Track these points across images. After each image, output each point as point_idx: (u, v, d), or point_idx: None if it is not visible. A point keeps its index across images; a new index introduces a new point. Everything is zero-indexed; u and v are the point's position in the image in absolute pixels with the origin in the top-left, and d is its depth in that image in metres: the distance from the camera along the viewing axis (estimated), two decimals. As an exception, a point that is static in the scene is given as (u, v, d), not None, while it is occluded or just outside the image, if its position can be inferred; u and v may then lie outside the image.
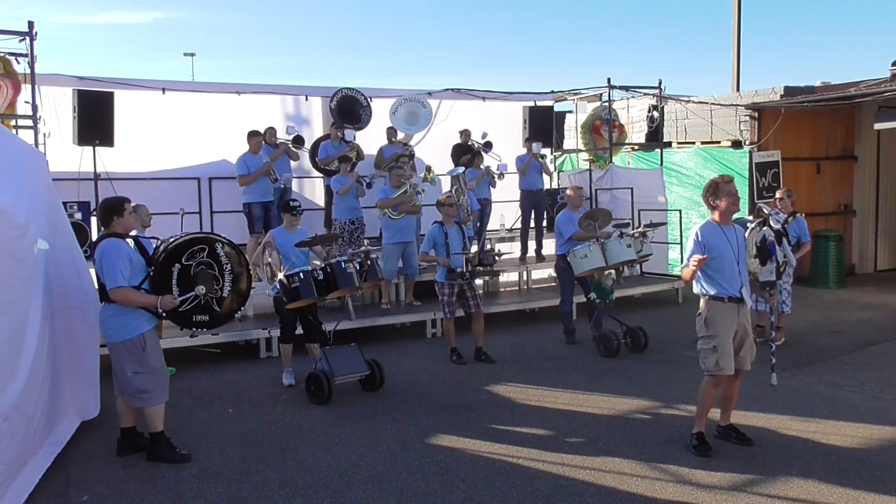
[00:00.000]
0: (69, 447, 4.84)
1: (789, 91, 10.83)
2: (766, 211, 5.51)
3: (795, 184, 10.57)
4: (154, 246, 4.83)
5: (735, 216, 4.74)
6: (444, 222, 7.13)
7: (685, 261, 4.59)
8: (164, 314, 4.54)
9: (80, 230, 7.64)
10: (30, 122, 7.53)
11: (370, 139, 9.93)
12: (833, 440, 4.82)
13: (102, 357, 5.37)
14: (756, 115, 11.29)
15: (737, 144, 11.42)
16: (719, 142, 11.70)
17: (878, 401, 5.66)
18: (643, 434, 5.01)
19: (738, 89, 14.76)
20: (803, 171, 11.66)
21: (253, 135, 8.68)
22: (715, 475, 4.28)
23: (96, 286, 4.69)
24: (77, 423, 5.13)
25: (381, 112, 9.98)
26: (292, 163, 9.30)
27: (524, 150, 10.31)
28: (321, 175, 9.88)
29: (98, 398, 5.29)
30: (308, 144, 9.77)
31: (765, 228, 5.23)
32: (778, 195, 7.84)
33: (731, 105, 11.54)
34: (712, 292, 4.54)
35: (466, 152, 9.89)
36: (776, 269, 5.11)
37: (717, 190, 4.57)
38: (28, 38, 7.38)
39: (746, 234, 4.91)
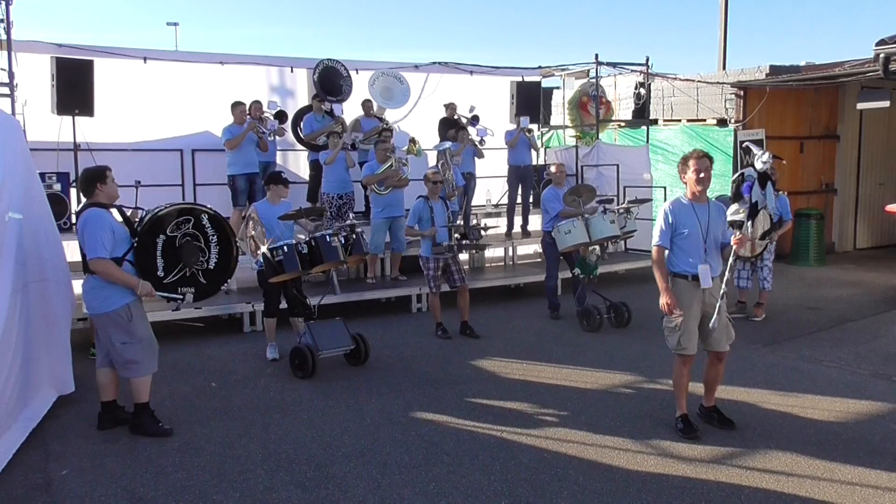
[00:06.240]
0: (48, 421, 4.79)
1: (774, 70, 10.84)
2: (753, 150, 5.18)
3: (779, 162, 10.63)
4: (139, 216, 4.75)
5: (717, 193, 4.58)
6: (429, 197, 7.09)
7: (656, 237, 4.46)
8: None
9: (59, 201, 7.51)
10: (6, 90, 7.33)
11: (350, 111, 9.80)
12: (811, 414, 4.91)
13: (74, 330, 5.30)
14: (741, 93, 11.30)
15: (722, 122, 11.45)
16: (705, 120, 11.72)
17: (854, 376, 5.77)
18: (625, 408, 5.06)
19: (724, 68, 14.75)
20: (787, 150, 11.70)
21: (236, 105, 8.54)
22: (696, 448, 4.34)
23: (79, 257, 4.60)
24: (54, 397, 5.05)
25: (364, 84, 9.83)
26: (277, 137, 9.17)
27: (513, 126, 10.24)
28: (305, 148, 9.74)
29: (71, 373, 5.22)
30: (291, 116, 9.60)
31: (748, 168, 5.00)
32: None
33: (717, 83, 11.54)
34: (675, 269, 4.46)
35: (453, 126, 9.80)
36: (748, 211, 4.77)
37: (686, 164, 4.48)
38: (4, 3, 7.17)
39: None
